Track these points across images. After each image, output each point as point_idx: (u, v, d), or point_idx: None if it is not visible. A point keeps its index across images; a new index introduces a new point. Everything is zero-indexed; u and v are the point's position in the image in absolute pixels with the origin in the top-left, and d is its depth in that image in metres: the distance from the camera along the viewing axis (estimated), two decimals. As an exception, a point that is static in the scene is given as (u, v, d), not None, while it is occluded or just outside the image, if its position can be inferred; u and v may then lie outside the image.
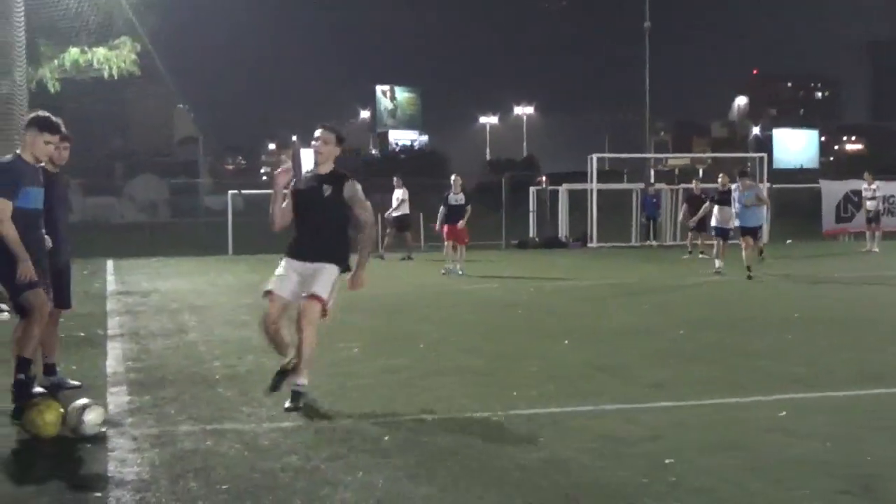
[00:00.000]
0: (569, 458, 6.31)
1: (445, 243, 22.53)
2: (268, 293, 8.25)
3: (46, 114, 7.88)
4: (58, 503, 5.50)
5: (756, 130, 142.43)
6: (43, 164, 8.03)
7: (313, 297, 7.93)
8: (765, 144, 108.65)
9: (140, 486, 5.75)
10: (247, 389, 8.65)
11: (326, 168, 8.15)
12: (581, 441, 6.74)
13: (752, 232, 19.72)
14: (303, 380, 7.88)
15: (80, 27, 25.75)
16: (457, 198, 22.27)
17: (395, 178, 29.79)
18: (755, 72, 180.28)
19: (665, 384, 8.81)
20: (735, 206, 20.06)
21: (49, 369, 8.78)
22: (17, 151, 7.83)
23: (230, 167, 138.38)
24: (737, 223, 20.13)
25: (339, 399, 8.21)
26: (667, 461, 6.19)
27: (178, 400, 8.22)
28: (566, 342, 11.33)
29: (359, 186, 8.13)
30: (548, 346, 11.10)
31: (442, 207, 22.45)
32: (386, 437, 6.87)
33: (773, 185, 36.85)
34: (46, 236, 8.04)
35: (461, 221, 21.93)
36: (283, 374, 8.08)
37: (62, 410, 7.00)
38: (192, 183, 78.87)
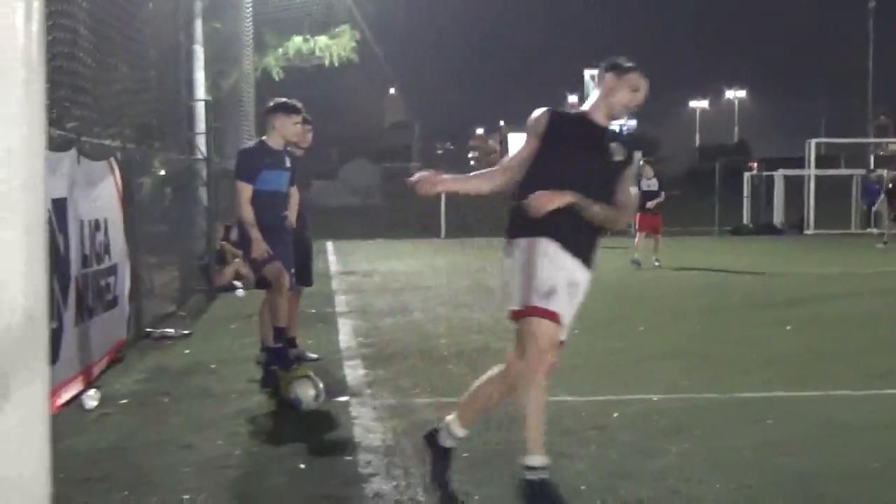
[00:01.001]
0: (796, 440, 6.38)
1: (638, 233, 20.55)
2: (549, 314, 5.22)
3: (284, 100, 8.43)
4: (312, 464, 5.92)
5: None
6: (290, 147, 8.57)
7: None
8: None
9: (387, 451, 6.14)
10: (476, 367, 8.95)
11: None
12: (807, 425, 6.78)
13: None
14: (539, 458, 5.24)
15: (303, 16, 26.82)
16: (650, 183, 20.50)
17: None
18: None
19: (892, 373, 8.70)
20: None
21: (290, 342, 9.35)
22: (263, 138, 8.39)
23: (439, 151, 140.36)
24: None
25: (564, 378, 8.43)
26: (898, 448, 6.20)
27: (412, 374, 8.62)
28: (788, 328, 11.27)
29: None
30: (768, 332, 11.07)
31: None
32: (615, 415, 7.08)
33: None
34: (289, 215, 8.57)
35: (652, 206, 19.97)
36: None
37: (318, 383, 7.47)
38: (405, 167, 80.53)
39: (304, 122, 8.87)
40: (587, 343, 10.30)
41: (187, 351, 9.84)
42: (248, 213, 8.05)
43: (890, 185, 26.35)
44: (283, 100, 8.45)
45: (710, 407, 7.40)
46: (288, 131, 8.30)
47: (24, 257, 2.41)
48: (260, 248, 7.99)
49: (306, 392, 7.34)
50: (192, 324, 11.82)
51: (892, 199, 25.83)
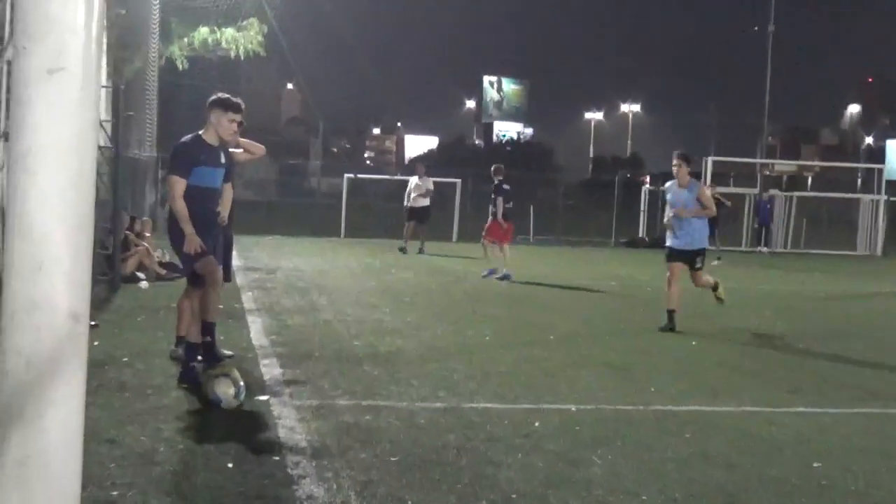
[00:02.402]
0: (718, 454, 6.50)
1: (493, 242, 18.98)
2: None
3: (226, 94, 8.29)
4: (240, 463, 5.83)
5: (869, 140, 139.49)
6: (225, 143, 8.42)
7: None
8: (878, 155, 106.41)
9: (314, 453, 6.08)
10: (392, 370, 8.97)
11: None
12: (726, 439, 6.93)
13: None
14: None
15: (210, 7, 26.50)
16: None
17: (418, 164, 28.62)
18: (870, 80, 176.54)
19: (803, 389, 8.94)
20: None
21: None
22: (199, 132, 8.23)
23: (335, 150, 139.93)
24: None
25: (482, 385, 8.49)
26: (815, 464, 6.36)
27: (329, 375, 8.56)
28: (693, 343, 11.48)
29: None
30: (675, 344, 11.27)
31: (498, 198, 18.69)
32: (536, 424, 7.12)
33: (890, 198, 36.32)
34: (221, 212, 8.45)
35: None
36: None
37: (239, 380, 7.35)
38: (303, 164, 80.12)
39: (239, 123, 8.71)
40: (502, 349, 10.41)
41: (96, 343, 9.58)
42: (181, 208, 7.90)
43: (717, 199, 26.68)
44: (222, 95, 8.29)
45: (628, 418, 7.49)
46: (222, 128, 8.15)
47: (70, 256, 2.34)
48: (194, 242, 7.86)
49: (226, 390, 7.21)
50: (97, 315, 11.54)
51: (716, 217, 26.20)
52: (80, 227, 2.42)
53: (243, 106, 8.26)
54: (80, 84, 2.51)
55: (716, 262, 25.48)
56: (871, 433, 7.41)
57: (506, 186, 18.73)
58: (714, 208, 12.97)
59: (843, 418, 7.93)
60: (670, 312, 12.41)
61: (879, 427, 7.68)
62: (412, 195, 25.34)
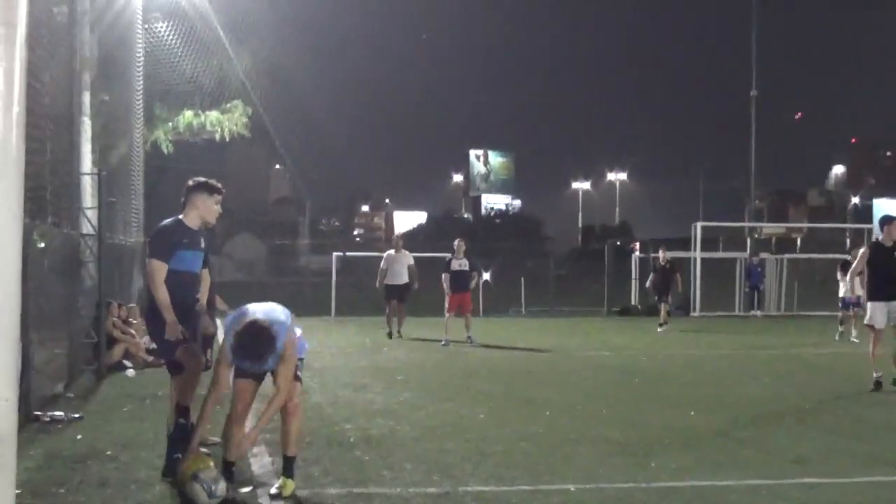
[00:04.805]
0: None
1: (448, 313, 21.03)
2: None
3: (205, 179, 8.13)
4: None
5: (855, 200, 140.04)
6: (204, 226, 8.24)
7: None
8: (865, 214, 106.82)
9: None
10: (383, 453, 8.71)
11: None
12: (733, 516, 6.68)
13: None
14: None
15: (194, 91, 26.55)
16: (460, 263, 21.23)
17: (395, 237, 26.23)
18: (854, 140, 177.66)
19: (809, 458, 8.67)
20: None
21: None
22: (179, 216, 8.05)
23: (324, 228, 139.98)
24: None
25: (478, 466, 8.23)
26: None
27: (320, 462, 8.28)
28: (692, 413, 11.22)
29: None
30: (676, 415, 11.00)
31: (445, 274, 21.16)
32: (537, 507, 6.87)
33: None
34: (200, 297, 8.24)
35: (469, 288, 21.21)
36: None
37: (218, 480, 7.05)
38: (292, 243, 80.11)
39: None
40: (496, 427, 10.13)
41: (80, 436, 9.34)
42: (163, 294, 7.68)
43: (666, 265, 26.40)
44: (202, 179, 8.15)
45: (631, 498, 7.23)
46: (209, 211, 8.02)
47: None
48: (175, 330, 7.63)
49: (198, 495, 6.87)
50: (83, 406, 11.28)
51: (666, 281, 26.21)
52: (1, 342, 2.18)
53: (223, 188, 8.13)
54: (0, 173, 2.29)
55: (660, 329, 25.17)
56: (883, 503, 7.16)
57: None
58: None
59: (852, 488, 7.65)
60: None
61: (890, 496, 7.43)
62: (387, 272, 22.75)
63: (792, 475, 8.02)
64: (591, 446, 9.15)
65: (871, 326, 13.72)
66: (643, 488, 7.49)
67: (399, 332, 22.25)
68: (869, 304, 13.79)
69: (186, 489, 6.90)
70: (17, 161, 2.35)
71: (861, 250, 14.67)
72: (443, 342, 20.20)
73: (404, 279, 22.49)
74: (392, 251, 23.00)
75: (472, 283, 21.56)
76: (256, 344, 6.81)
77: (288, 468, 7.25)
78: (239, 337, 6.87)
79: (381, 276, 22.78)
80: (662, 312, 26.12)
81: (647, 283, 28.58)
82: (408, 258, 22.82)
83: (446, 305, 21.51)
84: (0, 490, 2.17)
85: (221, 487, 6.94)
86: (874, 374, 13.36)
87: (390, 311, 22.60)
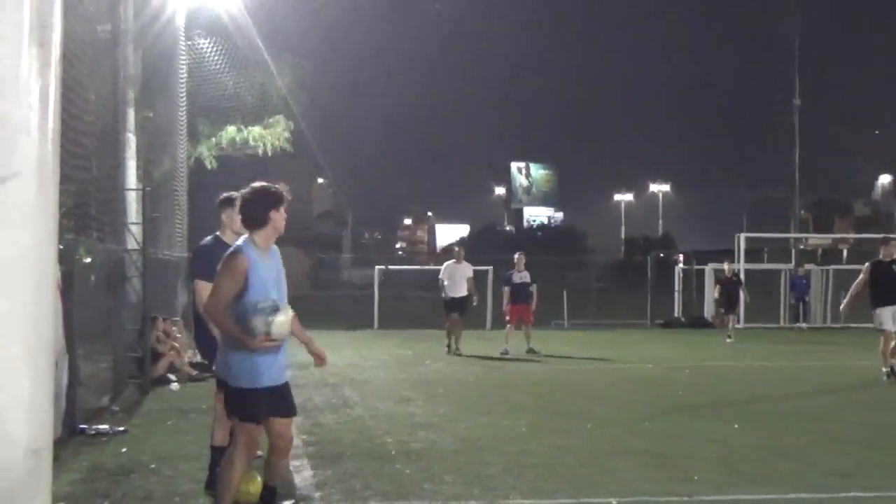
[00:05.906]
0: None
1: (508, 325, 21.56)
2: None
3: (227, 193, 8.20)
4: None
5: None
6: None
7: None
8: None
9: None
10: (424, 466, 8.73)
11: None
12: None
13: None
14: None
15: (237, 106, 26.77)
16: (521, 276, 21.60)
17: (456, 247, 23.84)
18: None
19: (850, 472, 8.59)
20: None
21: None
22: (217, 233, 8.13)
23: (366, 241, 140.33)
24: None
25: (519, 478, 8.23)
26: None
27: (360, 475, 8.32)
28: (735, 426, 11.14)
29: None
30: (718, 428, 10.93)
31: (506, 287, 22.00)
32: (576, 520, 6.86)
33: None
34: None
35: (532, 303, 21.74)
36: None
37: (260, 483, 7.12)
38: (335, 257, 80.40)
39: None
40: (536, 440, 10.12)
41: (124, 449, 9.43)
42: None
43: (733, 277, 27.05)
44: (227, 194, 8.22)
45: (672, 510, 7.21)
46: (236, 224, 8.06)
47: (29, 381, 2.13)
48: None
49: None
50: (127, 419, 11.40)
51: (731, 295, 26.73)
52: (39, 349, 2.22)
53: None
54: (36, 190, 2.33)
55: (728, 340, 25.12)
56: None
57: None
58: None
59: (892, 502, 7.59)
60: None
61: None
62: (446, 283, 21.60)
63: (837, 489, 7.94)
64: (632, 459, 9.12)
65: (882, 330, 15.86)
66: (685, 502, 7.45)
67: (458, 348, 21.08)
68: (877, 311, 16.00)
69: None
70: (52, 179, 2.40)
71: (865, 267, 17.07)
72: (502, 351, 20.74)
73: (464, 291, 21.43)
74: (453, 261, 21.92)
75: (534, 297, 21.82)
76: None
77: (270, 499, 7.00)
78: None
79: (441, 287, 21.67)
80: (731, 324, 26.46)
81: (715, 295, 28.88)
82: (468, 270, 21.88)
83: (506, 317, 21.85)
84: (37, 503, 2.20)
85: None
86: (885, 368, 15.74)
87: (450, 324, 21.53)
